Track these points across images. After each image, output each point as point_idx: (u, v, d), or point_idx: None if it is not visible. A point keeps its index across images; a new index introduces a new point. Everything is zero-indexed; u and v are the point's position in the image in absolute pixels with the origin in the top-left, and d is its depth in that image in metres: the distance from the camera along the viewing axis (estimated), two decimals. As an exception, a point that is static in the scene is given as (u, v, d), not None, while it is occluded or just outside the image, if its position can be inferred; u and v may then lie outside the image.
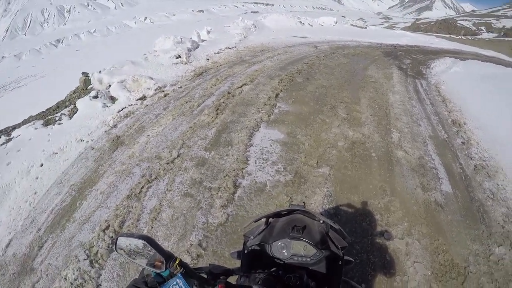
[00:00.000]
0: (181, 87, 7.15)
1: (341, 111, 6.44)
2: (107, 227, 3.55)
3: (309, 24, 18.43)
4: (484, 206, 4.37)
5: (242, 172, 4.34)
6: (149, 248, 1.06)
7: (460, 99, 8.29)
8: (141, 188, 4.04)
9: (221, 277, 1.24)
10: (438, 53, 15.76)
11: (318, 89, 7.59)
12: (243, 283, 1.28)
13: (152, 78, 7.34)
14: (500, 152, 5.72)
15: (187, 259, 3.13)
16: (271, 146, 4.97)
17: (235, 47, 11.01)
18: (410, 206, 4.12)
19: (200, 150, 4.78)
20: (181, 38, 10.01)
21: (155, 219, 3.61)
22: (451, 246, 3.63)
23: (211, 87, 6.96)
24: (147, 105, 6.15)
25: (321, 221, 1.47)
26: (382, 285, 3.13)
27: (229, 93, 6.69)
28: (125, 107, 6.24)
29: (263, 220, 1.50)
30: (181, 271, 1.05)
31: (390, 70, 10.44)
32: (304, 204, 1.59)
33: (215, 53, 9.94)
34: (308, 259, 1.34)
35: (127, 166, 4.45)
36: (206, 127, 5.36)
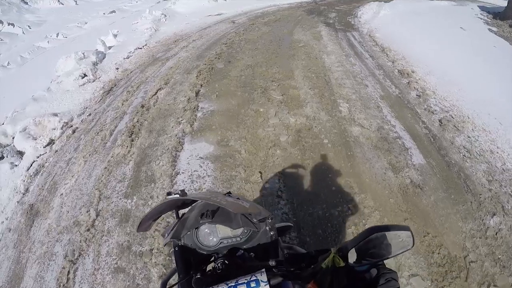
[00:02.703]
0: (90, 114, 5.94)
1: (274, 92, 5.57)
2: None
3: (223, -1, 17.29)
4: (463, 169, 3.74)
5: (173, 217, 3.41)
6: None
7: (399, 44, 7.84)
8: (67, 275, 3.01)
9: None
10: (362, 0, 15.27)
11: (243, 71, 6.68)
12: None
13: (56, 115, 6.01)
14: (459, 96, 5.17)
15: None
16: (202, 167, 4.02)
17: (146, 45, 9.76)
18: (386, 199, 3.39)
19: (120, 199, 3.74)
20: (84, 53, 8.59)
21: (93, 316, 2.68)
22: (444, 236, 2.99)
23: (122, 105, 5.81)
24: (57, 151, 4.94)
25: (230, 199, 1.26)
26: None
27: (142, 106, 5.60)
28: (34, 161, 4.98)
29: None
30: None
31: (318, 29, 9.83)
32: (184, 190, 1.24)
33: (124, 58, 8.65)
34: (238, 239, 1.21)
35: (47, 245, 3.35)
36: (123, 162, 4.30)
